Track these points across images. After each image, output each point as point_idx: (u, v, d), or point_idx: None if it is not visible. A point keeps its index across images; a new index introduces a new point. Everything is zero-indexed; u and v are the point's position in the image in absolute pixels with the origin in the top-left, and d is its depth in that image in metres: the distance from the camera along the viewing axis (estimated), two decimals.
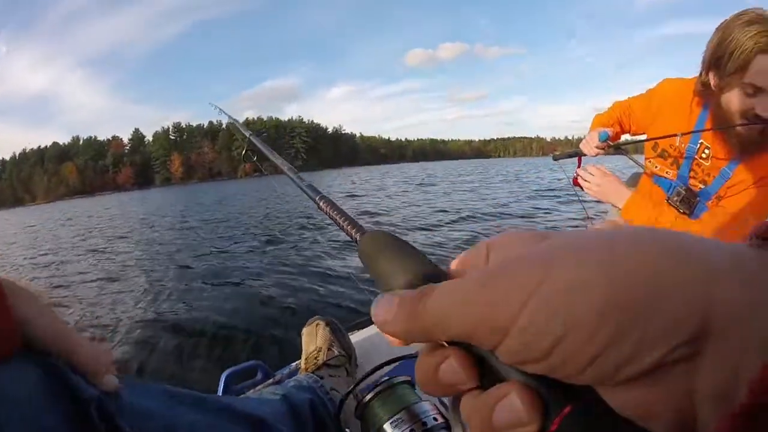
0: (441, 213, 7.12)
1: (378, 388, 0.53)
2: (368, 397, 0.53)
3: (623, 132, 1.42)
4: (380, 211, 8.04)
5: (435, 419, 0.49)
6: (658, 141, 1.27)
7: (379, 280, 0.23)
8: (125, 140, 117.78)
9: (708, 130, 1.12)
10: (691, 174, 1.21)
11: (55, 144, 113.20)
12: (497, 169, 25.51)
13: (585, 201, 1.65)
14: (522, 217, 6.32)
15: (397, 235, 0.25)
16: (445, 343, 0.18)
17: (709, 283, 0.14)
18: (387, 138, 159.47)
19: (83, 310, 3.39)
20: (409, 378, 0.55)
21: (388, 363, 0.58)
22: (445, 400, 0.51)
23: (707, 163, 1.17)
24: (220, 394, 0.88)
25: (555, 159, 1.65)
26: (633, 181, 1.47)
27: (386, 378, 0.55)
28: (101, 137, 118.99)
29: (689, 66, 1.14)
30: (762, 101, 0.97)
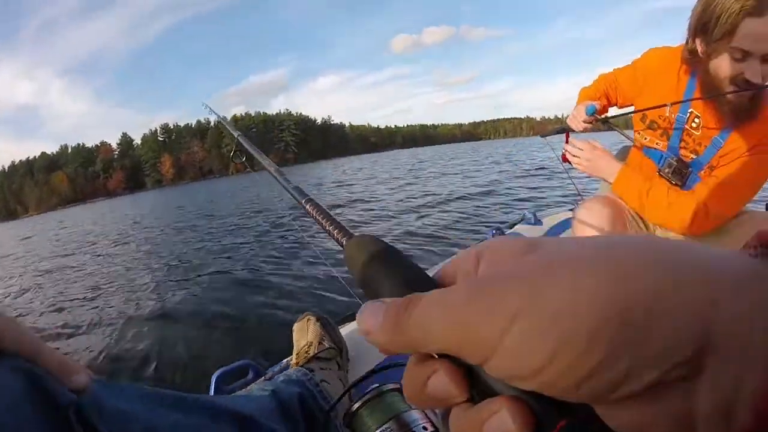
0: (430, 196, 7.12)
1: (366, 396, 0.51)
2: (356, 405, 0.51)
3: (610, 105, 1.39)
4: (370, 198, 8.03)
5: (425, 428, 0.47)
6: (646, 112, 1.23)
7: (366, 287, 0.22)
8: (114, 145, 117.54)
9: (698, 99, 1.09)
10: (682, 144, 1.19)
11: (43, 154, 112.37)
12: (488, 152, 25.43)
13: (575, 177, 1.63)
14: (512, 197, 6.28)
15: (382, 238, 0.24)
16: (435, 354, 0.17)
17: (711, 300, 0.13)
18: (376, 126, 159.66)
19: (70, 315, 3.38)
20: (398, 385, 0.52)
21: (384, 368, 0.56)
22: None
23: (698, 133, 1.15)
24: (212, 395, 0.87)
25: (543, 137, 1.64)
26: (622, 155, 1.44)
27: (375, 385, 0.52)
28: (89, 144, 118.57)
29: (683, 39, 1.10)
30: (751, 65, 0.94)
